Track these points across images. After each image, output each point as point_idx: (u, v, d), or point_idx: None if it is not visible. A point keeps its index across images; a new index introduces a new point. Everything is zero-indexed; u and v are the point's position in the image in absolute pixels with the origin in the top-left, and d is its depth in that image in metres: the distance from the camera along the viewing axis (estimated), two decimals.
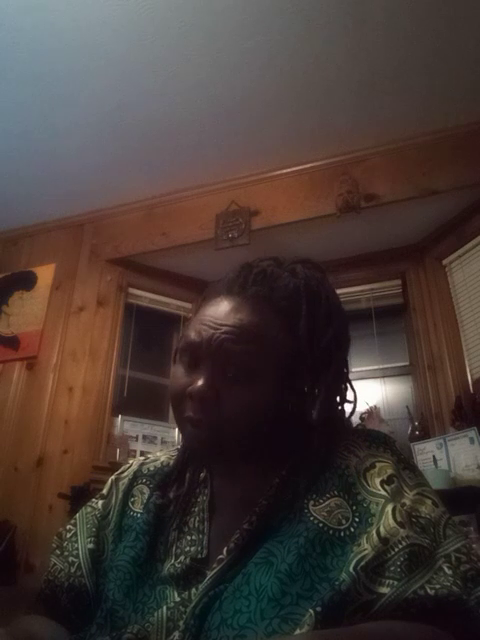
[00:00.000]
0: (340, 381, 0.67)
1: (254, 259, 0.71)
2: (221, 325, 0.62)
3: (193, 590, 0.58)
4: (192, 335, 0.64)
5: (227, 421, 0.60)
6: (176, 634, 0.54)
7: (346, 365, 0.68)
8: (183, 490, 0.68)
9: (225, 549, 0.58)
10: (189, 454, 0.71)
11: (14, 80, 2.10)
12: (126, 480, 0.75)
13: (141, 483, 0.74)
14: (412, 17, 1.85)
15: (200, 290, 2.76)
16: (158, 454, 0.79)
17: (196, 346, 0.63)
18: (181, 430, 0.65)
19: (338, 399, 0.67)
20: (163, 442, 2.60)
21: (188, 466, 0.71)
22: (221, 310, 0.64)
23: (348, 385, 0.69)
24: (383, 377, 2.58)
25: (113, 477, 0.77)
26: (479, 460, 1.91)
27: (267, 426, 0.63)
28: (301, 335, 0.63)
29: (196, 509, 0.67)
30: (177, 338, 2.82)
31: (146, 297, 2.84)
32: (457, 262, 2.42)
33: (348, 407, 0.68)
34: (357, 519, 0.57)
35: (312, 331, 0.63)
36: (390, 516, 0.55)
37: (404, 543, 0.53)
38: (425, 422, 2.27)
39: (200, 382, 0.61)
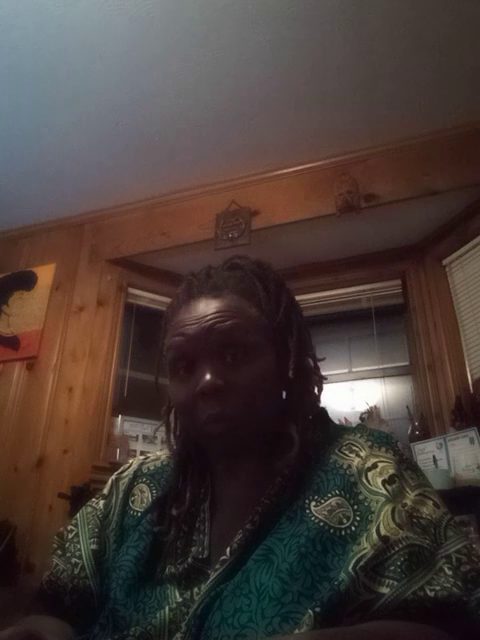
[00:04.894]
0: (306, 344, 0.71)
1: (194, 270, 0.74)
2: (202, 317, 0.64)
3: (195, 590, 0.57)
4: (178, 340, 0.64)
5: (245, 403, 0.61)
6: (178, 635, 0.53)
7: (307, 330, 0.72)
8: (184, 508, 0.66)
9: (228, 549, 0.58)
10: (215, 450, 0.68)
11: (14, 80, 2.09)
12: (126, 480, 0.75)
13: (141, 482, 0.74)
14: (412, 17, 1.85)
15: None
16: (158, 453, 0.79)
17: (188, 346, 0.63)
18: (202, 435, 0.64)
19: (311, 363, 0.71)
20: (163, 442, 2.59)
21: (187, 479, 0.69)
22: (195, 309, 0.65)
23: (314, 358, 0.72)
24: (383, 377, 2.58)
25: (113, 477, 0.77)
26: (479, 460, 1.91)
27: (274, 398, 0.65)
28: (263, 307, 0.66)
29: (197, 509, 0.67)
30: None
31: (146, 297, 2.84)
32: (457, 262, 2.42)
33: (320, 392, 0.71)
34: (358, 518, 0.57)
35: (270, 301, 0.68)
36: (390, 516, 0.55)
37: (404, 543, 0.53)
38: (425, 422, 2.27)
39: (206, 376, 0.61)
